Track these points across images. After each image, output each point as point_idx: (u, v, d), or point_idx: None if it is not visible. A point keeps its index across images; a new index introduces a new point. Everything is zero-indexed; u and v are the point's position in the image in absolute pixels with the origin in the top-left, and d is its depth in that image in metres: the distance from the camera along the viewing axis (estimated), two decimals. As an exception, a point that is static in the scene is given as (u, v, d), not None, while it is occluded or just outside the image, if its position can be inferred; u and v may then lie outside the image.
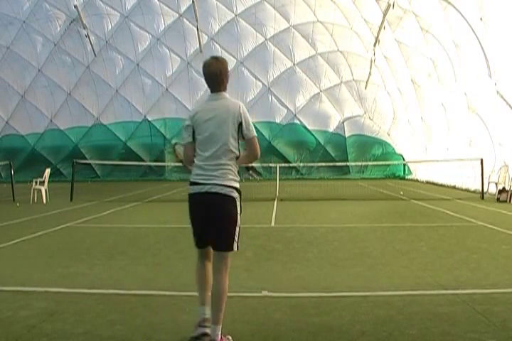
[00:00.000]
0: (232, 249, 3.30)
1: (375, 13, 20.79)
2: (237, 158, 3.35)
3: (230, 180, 3.30)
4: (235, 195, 3.30)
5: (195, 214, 3.38)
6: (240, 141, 3.35)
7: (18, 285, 4.76)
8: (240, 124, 3.30)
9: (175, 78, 25.00)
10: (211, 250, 3.39)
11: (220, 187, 3.25)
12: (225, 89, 3.41)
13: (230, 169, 3.31)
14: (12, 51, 24.35)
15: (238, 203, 3.31)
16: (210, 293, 3.31)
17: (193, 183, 3.37)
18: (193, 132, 3.38)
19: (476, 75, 15.39)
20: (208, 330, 3.26)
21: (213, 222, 3.27)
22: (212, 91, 3.41)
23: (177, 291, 4.49)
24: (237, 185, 3.33)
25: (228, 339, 3.29)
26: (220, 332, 3.20)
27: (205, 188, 3.28)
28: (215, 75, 3.36)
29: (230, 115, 3.29)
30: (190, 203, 3.40)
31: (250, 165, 3.69)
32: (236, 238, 3.30)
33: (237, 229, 3.30)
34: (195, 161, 3.39)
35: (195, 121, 3.37)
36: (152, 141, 25.56)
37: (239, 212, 3.32)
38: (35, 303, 4.13)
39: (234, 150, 3.32)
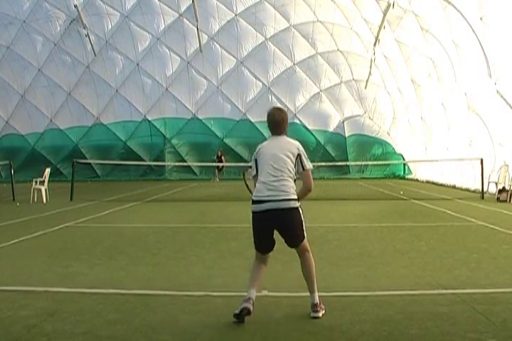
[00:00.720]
0: (303, 239, 3.98)
1: (375, 13, 20.79)
2: (295, 180, 3.91)
3: (292, 193, 3.85)
4: (297, 204, 3.88)
5: (261, 228, 3.92)
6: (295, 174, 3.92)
7: (18, 285, 4.76)
8: (299, 155, 3.90)
9: (175, 78, 25.01)
10: (269, 256, 4.08)
11: (286, 202, 3.82)
12: (285, 133, 4.05)
13: (290, 184, 3.86)
14: (12, 51, 24.35)
15: (301, 210, 3.91)
16: (256, 286, 3.90)
17: (257, 202, 3.87)
18: (257, 165, 4.00)
19: (476, 75, 15.39)
20: (249, 305, 3.70)
21: (285, 230, 3.92)
22: (273, 135, 4.06)
23: (177, 291, 4.49)
24: (296, 196, 3.86)
25: (322, 307, 3.81)
26: (317, 298, 3.85)
27: (274, 205, 3.80)
28: (279, 123, 4.02)
29: (290, 146, 3.93)
30: (256, 219, 3.91)
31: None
32: (304, 233, 3.96)
33: (304, 227, 3.95)
34: (258, 181, 3.94)
35: (259, 153, 4.01)
36: (152, 140, 25.58)
37: (302, 215, 3.91)
38: (35, 303, 4.13)
39: (292, 171, 3.89)
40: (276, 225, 3.87)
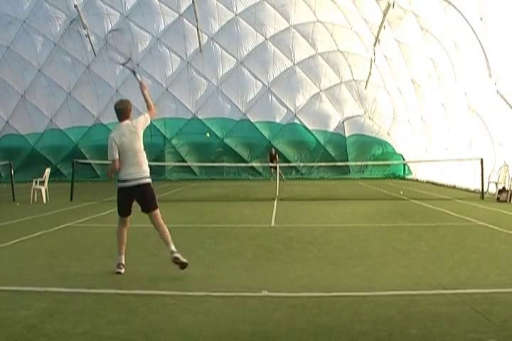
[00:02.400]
0: (157, 207, 5.42)
1: (375, 13, 20.78)
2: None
3: (147, 171, 5.33)
4: (150, 179, 5.35)
5: (126, 198, 5.49)
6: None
7: (18, 285, 4.76)
8: (140, 123, 5.31)
9: (175, 78, 24.99)
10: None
11: (146, 179, 5.40)
12: (128, 118, 5.32)
13: (145, 163, 5.40)
14: (12, 51, 24.32)
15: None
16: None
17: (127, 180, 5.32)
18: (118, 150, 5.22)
19: (476, 75, 15.38)
20: (122, 270, 5.19)
21: (143, 200, 5.45)
22: (120, 121, 5.32)
23: (177, 291, 4.50)
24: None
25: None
26: (173, 246, 5.24)
27: (140, 181, 5.34)
28: (121, 111, 5.32)
29: (135, 129, 5.26)
30: (124, 192, 5.45)
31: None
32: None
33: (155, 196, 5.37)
34: (127, 163, 5.27)
35: (118, 142, 5.23)
36: (152, 140, 25.43)
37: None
38: (35, 303, 4.13)
39: (143, 148, 5.34)
40: (137, 196, 5.28)
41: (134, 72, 5.45)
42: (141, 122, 5.28)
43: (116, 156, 5.20)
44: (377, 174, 25.18)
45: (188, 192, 17.57)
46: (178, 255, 5.05)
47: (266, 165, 23.02)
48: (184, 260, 5.01)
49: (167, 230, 5.34)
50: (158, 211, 5.36)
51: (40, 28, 24.02)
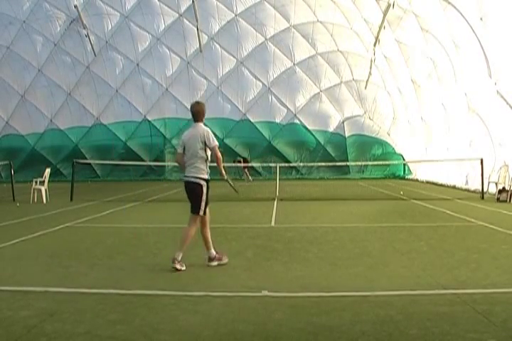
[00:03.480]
0: (197, 213, 5.57)
1: (375, 13, 20.79)
2: (206, 160, 5.59)
3: (199, 173, 5.57)
4: (202, 182, 5.58)
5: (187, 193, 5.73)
6: (207, 150, 5.58)
7: (18, 285, 4.76)
8: (205, 139, 5.50)
9: (175, 78, 25.01)
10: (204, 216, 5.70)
11: (193, 178, 5.58)
12: (202, 121, 5.71)
13: (199, 167, 5.58)
14: (12, 51, 24.36)
15: (204, 188, 5.58)
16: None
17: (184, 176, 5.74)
18: (184, 147, 5.67)
19: (476, 75, 15.39)
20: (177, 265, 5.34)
21: (190, 198, 5.63)
22: (194, 122, 5.70)
23: (177, 291, 4.50)
24: (203, 176, 5.58)
25: (182, 265, 5.33)
26: (180, 254, 5.39)
27: (189, 179, 5.63)
28: (195, 113, 5.68)
29: (200, 136, 5.52)
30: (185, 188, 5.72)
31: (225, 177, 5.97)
32: (202, 207, 5.56)
33: (202, 203, 5.55)
34: (186, 164, 5.69)
35: (185, 140, 5.68)
36: (152, 140, 25.57)
37: (204, 192, 5.57)
38: (35, 303, 4.13)
39: (202, 155, 5.54)
40: (189, 194, 5.62)
41: (230, 184, 6.28)
42: (204, 135, 5.51)
43: (180, 151, 5.73)
44: (377, 174, 25.20)
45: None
46: (177, 266, 5.30)
47: (266, 165, 23.01)
48: (178, 267, 5.31)
49: (190, 235, 5.56)
50: (196, 216, 5.61)
51: (40, 28, 24.04)
